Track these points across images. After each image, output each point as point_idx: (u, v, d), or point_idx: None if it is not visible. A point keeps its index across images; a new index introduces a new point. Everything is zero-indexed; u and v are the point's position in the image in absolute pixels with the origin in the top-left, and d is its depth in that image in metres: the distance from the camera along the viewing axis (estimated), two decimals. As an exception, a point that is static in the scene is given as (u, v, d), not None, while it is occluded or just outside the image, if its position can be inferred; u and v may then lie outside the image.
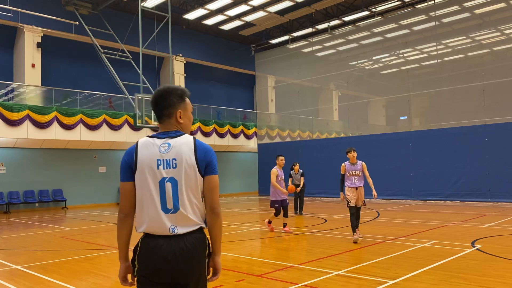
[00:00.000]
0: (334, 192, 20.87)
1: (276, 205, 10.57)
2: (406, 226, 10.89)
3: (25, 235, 11.05)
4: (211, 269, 2.45)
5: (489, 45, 19.50)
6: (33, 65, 19.29)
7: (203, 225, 2.39)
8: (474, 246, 7.80)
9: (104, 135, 19.42)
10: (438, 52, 19.68)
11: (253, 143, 26.08)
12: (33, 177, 18.84)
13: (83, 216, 16.08)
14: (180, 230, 2.29)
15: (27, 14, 18.39)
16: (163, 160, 2.31)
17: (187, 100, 2.52)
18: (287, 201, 10.71)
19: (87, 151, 20.42)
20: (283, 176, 10.95)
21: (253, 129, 26.13)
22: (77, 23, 19.76)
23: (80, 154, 20.15)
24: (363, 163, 9.21)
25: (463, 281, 5.47)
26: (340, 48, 24.29)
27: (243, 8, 21.54)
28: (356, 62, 23.60)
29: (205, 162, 2.36)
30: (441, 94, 19.51)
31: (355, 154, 9.38)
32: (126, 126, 20.09)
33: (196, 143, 2.37)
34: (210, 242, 2.43)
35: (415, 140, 18.72)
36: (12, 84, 19.16)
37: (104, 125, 19.38)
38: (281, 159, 11.38)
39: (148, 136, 2.41)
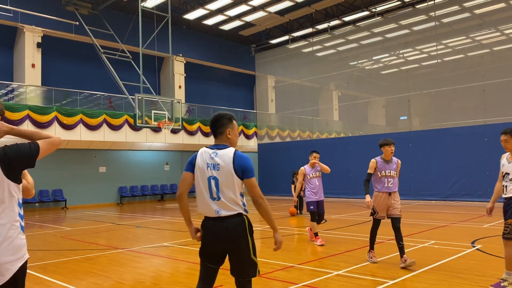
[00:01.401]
0: (334, 192, 20.88)
1: (312, 207, 8.60)
2: (406, 226, 10.88)
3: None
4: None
5: (489, 45, 19.50)
6: (33, 65, 19.29)
7: (242, 212, 3.31)
8: (474, 246, 7.80)
9: (104, 135, 19.42)
10: (438, 52, 19.67)
11: (253, 143, 26.08)
12: (33, 177, 18.60)
13: (83, 216, 16.08)
14: (223, 213, 3.26)
15: (27, 14, 18.39)
16: (211, 164, 3.32)
17: (234, 121, 3.50)
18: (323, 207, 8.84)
19: (87, 151, 20.42)
20: (317, 174, 8.86)
21: (253, 129, 26.12)
22: (77, 23, 19.76)
23: (80, 154, 20.14)
24: (399, 161, 7.31)
25: (463, 281, 5.47)
26: (340, 48, 24.29)
27: (243, 8, 21.54)
28: (356, 62, 23.60)
29: (241, 169, 3.27)
30: (441, 94, 19.51)
31: (393, 148, 7.17)
32: (126, 126, 20.09)
33: (235, 155, 3.31)
34: (250, 223, 3.38)
35: (415, 140, 18.71)
36: (12, 84, 19.16)
37: (104, 125, 19.38)
38: (314, 156, 8.99)
39: (206, 147, 3.43)
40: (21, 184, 2.53)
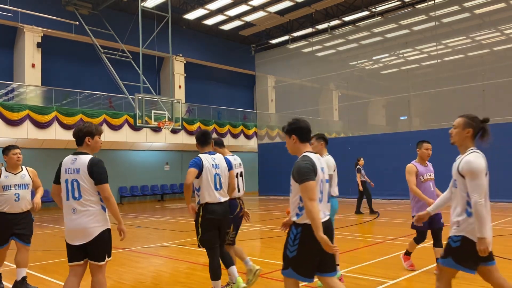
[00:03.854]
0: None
1: (422, 225, 5.52)
2: (406, 226, 10.88)
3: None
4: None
5: (489, 45, 19.50)
6: (33, 65, 19.29)
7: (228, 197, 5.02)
8: (474, 246, 7.78)
9: (104, 135, 19.34)
10: (438, 52, 19.68)
11: (253, 143, 26.08)
12: (33, 177, 18.79)
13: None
14: (223, 199, 4.91)
15: (27, 14, 18.39)
16: (215, 164, 4.92)
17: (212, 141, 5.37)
18: (441, 220, 6.02)
19: (87, 151, 20.39)
20: (430, 175, 6.12)
21: (253, 129, 26.12)
22: (77, 23, 19.76)
23: (80, 154, 20.12)
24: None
25: (463, 281, 5.47)
26: (340, 48, 24.29)
27: (243, 8, 21.54)
28: (356, 62, 23.60)
29: (229, 166, 5.12)
30: (441, 94, 19.51)
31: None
32: (126, 126, 20.08)
33: (225, 158, 5.16)
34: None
35: (415, 140, 18.60)
36: (12, 84, 19.16)
37: (104, 125, 19.36)
38: (426, 147, 6.28)
39: (203, 153, 5.00)
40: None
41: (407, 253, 6.29)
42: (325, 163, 3.62)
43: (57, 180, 3.97)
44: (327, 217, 3.50)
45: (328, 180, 3.59)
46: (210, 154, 4.97)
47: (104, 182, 3.85)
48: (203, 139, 5.08)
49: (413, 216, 5.55)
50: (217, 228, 4.87)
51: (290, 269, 3.43)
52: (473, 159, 3.52)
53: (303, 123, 3.64)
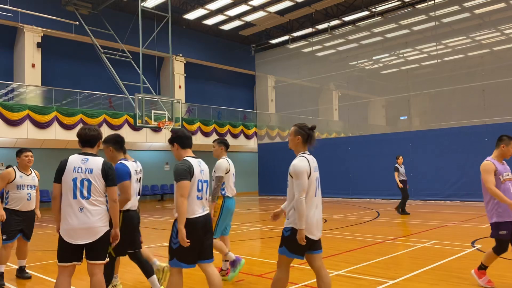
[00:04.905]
0: (334, 192, 20.90)
1: (505, 232, 5.00)
2: (406, 226, 10.90)
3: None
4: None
5: (489, 45, 19.49)
6: (33, 65, 19.29)
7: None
8: (474, 246, 7.80)
9: (104, 135, 19.25)
10: (438, 52, 19.68)
11: (253, 143, 26.08)
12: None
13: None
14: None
15: (27, 14, 18.39)
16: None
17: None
18: None
19: (87, 151, 20.39)
20: (508, 174, 5.14)
21: (253, 129, 26.12)
22: (77, 23, 19.76)
23: (80, 154, 20.13)
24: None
25: (463, 281, 5.47)
26: (340, 48, 24.29)
27: (243, 8, 21.53)
28: (356, 62, 23.60)
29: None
30: (441, 94, 19.51)
31: None
32: (126, 126, 20.08)
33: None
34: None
35: (415, 140, 18.71)
36: (12, 84, 19.16)
37: (104, 125, 19.37)
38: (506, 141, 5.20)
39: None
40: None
41: (482, 267, 5.22)
42: (206, 166, 4.26)
43: (60, 179, 3.95)
44: (206, 212, 4.16)
45: (207, 181, 4.25)
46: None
47: (115, 185, 4.05)
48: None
49: (493, 223, 5.04)
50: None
51: (175, 259, 4.08)
52: (297, 162, 4.02)
53: (182, 133, 4.26)
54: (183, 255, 4.02)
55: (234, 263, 5.73)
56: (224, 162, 5.89)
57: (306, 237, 3.84)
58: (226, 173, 5.83)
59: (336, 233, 9.91)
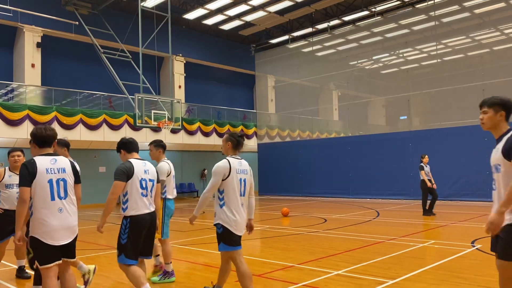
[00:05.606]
0: (334, 192, 20.90)
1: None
2: (406, 226, 10.90)
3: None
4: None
5: (489, 45, 19.49)
6: (33, 65, 19.28)
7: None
8: (474, 246, 7.80)
9: (104, 135, 19.41)
10: (438, 52, 19.67)
11: (253, 143, 26.08)
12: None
13: (83, 216, 16.07)
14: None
15: (27, 14, 18.38)
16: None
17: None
18: None
19: (87, 151, 20.41)
20: None
21: (253, 129, 26.12)
22: (77, 23, 19.76)
23: (80, 154, 20.11)
24: None
25: (463, 280, 5.47)
26: (340, 48, 24.28)
27: (243, 8, 21.53)
28: (356, 62, 23.60)
29: None
30: (441, 94, 19.51)
31: None
32: (126, 126, 20.08)
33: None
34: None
35: (415, 140, 18.71)
36: (12, 84, 19.15)
37: (104, 125, 19.37)
38: None
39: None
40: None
41: None
42: (152, 167, 4.72)
43: (31, 183, 3.81)
44: (151, 210, 4.51)
45: (153, 180, 4.63)
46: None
47: (80, 182, 4.21)
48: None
49: None
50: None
51: (123, 255, 4.36)
52: (219, 163, 4.60)
53: (125, 139, 4.76)
54: (129, 250, 4.35)
55: (167, 273, 5.82)
56: (165, 165, 6.06)
57: (233, 233, 4.44)
58: (167, 176, 5.99)
59: (336, 233, 9.91)
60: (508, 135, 3.25)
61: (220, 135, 24.12)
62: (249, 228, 4.80)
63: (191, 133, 22.58)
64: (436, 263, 6.50)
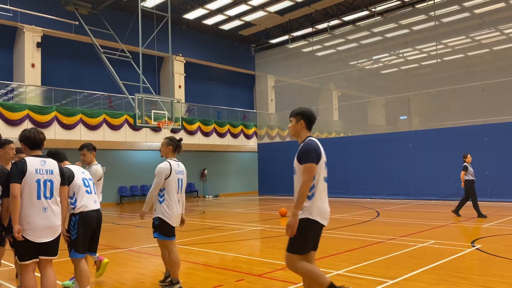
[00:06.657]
0: (334, 192, 20.84)
1: None
2: (406, 226, 10.90)
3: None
4: None
5: (489, 45, 19.49)
6: (33, 65, 19.28)
7: None
8: (474, 246, 7.80)
9: (104, 135, 19.41)
10: (438, 52, 19.67)
11: (253, 143, 26.08)
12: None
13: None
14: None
15: (27, 14, 18.38)
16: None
17: None
18: None
19: (87, 151, 20.38)
20: None
21: (253, 129, 26.12)
22: (77, 23, 19.75)
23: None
24: None
25: (463, 280, 5.47)
26: (340, 48, 24.28)
27: (243, 8, 21.53)
28: (356, 62, 23.59)
29: None
30: (441, 94, 19.50)
31: None
32: (126, 126, 20.08)
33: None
34: None
35: (415, 140, 18.71)
36: (12, 84, 19.14)
37: (104, 125, 19.37)
38: None
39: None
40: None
41: None
42: (85, 171, 5.10)
43: (21, 180, 3.99)
44: (98, 207, 4.88)
45: (92, 179, 5.03)
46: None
47: (66, 184, 4.42)
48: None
49: None
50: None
51: (73, 250, 4.66)
52: (161, 165, 5.21)
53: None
54: (78, 245, 4.68)
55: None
56: (99, 169, 6.02)
57: (169, 225, 5.12)
58: (98, 180, 5.84)
59: (336, 233, 9.91)
60: (303, 142, 3.86)
61: (220, 135, 24.12)
62: (182, 221, 5.41)
63: (191, 133, 22.59)
64: (436, 263, 6.50)
